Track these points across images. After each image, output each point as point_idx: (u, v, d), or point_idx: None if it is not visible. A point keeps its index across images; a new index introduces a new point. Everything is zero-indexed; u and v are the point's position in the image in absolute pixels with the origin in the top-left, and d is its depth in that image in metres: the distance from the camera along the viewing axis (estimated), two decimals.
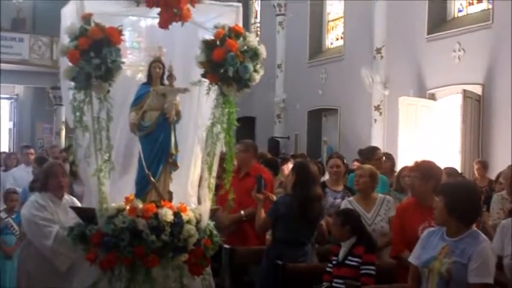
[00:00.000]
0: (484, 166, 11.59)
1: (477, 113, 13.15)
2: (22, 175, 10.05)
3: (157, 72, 4.85)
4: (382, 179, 7.44)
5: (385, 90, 15.42)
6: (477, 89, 13.18)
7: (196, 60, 4.69)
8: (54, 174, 5.34)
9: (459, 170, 11.46)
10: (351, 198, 6.43)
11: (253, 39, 4.70)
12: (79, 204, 5.31)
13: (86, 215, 4.68)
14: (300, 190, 5.83)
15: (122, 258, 4.48)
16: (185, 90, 4.86)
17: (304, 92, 18.87)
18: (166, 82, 4.90)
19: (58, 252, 5.05)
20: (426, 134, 14.12)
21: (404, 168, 8.06)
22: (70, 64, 4.40)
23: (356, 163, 11.49)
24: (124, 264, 4.50)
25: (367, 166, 6.67)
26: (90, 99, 4.45)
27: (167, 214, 4.51)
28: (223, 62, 4.57)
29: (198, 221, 4.71)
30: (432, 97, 14.58)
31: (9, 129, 25.41)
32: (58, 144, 20.32)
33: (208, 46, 4.64)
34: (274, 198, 6.24)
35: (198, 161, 5.08)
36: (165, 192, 4.79)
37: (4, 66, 20.20)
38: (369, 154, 9.20)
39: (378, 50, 15.43)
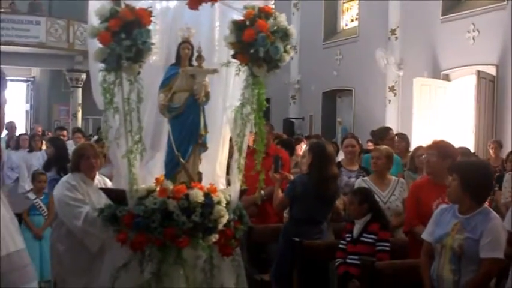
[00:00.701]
0: (499, 146, 11.55)
1: (491, 93, 13.13)
2: None
3: (186, 53, 4.74)
4: (396, 159, 7.46)
5: (399, 71, 15.31)
6: (491, 70, 13.16)
7: (226, 41, 4.58)
8: (85, 155, 5.27)
9: (472, 150, 11.57)
10: (366, 177, 6.49)
11: (283, 20, 4.59)
12: (110, 185, 5.25)
13: (116, 196, 4.61)
14: (316, 170, 5.92)
15: (153, 239, 4.40)
16: (214, 71, 4.76)
17: (318, 73, 18.77)
18: (194, 63, 4.78)
19: (88, 233, 5.00)
20: (440, 114, 14.08)
21: (418, 148, 8.11)
22: (100, 46, 4.29)
23: (370, 144, 11.47)
24: (155, 245, 4.42)
25: (384, 147, 6.71)
26: (120, 80, 4.36)
27: (198, 195, 4.42)
28: (254, 43, 4.46)
29: (228, 202, 4.62)
30: (446, 78, 14.57)
31: (26, 112, 25.36)
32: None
33: (238, 27, 4.53)
34: (291, 177, 6.27)
35: (226, 142, 5.01)
36: (194, 174, 4.71)
37: (20, 49, 20.17)
38: (382, 134, 9.29)
39: (393, 31, 15.32)
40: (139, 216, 4.39)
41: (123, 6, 4.26)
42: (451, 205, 4.47)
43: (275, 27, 4.54)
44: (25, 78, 25.06)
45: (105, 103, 4.37)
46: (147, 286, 4.41)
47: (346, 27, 18.93)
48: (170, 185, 4.46)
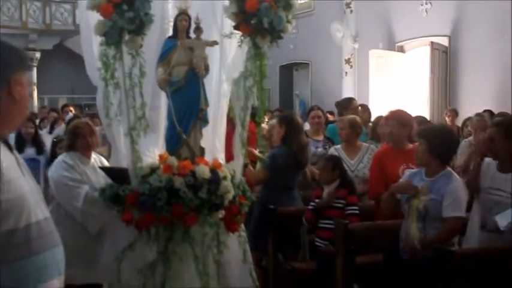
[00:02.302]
0: (456, 114, 11.78)
1: (444, 64, 13.28)
2: None
3: (183, 25, 4.42)
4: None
5: (355, 44, 15.18)
6: (444, 41, 13.25)
7: (227, 11, 4.29)
8: (81, 134, 4.90)
9: (428, 118, 11.63)
10: (338, 146, 6.52)
11: None
12: (107, 163, 4.93)
13: (117, 175, 4.29)
14: (293, 140, 6.04)
15: (160, 218, 4.11)
16: (213, 43, 4.46)
17: (275, 47, 18.46)
18: (192, 35, 4.47)
19: (88, 214, 4.65)
20: (396, 85, 14.07)
21: (379, 118, 8.08)
22: (100, 18, 3.96)
23: (330, 115, 11.36)
24: (161, 223, 4.14)
25: (347, 117, 6.71)
26: (121, 54, 4.03)
27: (205, 171, 4.16)
28: (257, 13, 4.18)
29: (232, 177, 4.36)
30: (401, 49, 14.63)
31: None
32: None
33: None
34: (257, 153, 6.22)
35: (223, 116, 4.72)
36: (196, 149, 4.42)
37: None
38: (345, 105, 9.27)
39: (348, 5, 15.16)
40: (145, 194, 4.10)
41: None
42: (418, 169, 4.68)
43: None
44: None
45: (104, 79, 4.04)
46: (155, 265, 4.13)
47: (302, 1, 18.67)
48: (175, 162, 4.18)
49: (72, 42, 21.97)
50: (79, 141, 4.88)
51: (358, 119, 6.77)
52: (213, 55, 4.60)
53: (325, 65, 16.51)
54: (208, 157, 4.51)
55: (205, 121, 4.48)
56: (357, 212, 5.35)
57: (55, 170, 4.82)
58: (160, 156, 4.25)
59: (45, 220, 2.30)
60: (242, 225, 4.56)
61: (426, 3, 13.56)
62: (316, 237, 5.43)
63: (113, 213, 4.30)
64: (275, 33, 4.30)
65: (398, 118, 5.64)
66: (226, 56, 4.60)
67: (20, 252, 2.16)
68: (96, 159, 4.99)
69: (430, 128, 5.35)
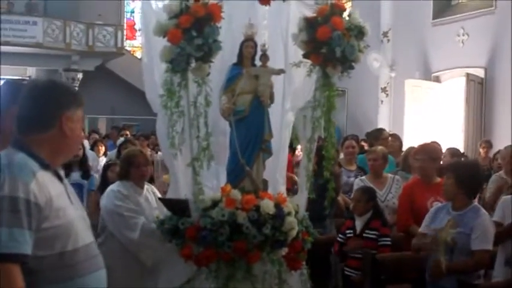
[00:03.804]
0: (490, 145, 11.43)
1: (479, 95, 12.98)
2: None
3: (249, 52, 4.09)
4: (390, 159, 7.24)
5: (391, 73, 14.82)
6: (480, 72, 12.99)
7: (297, 40, 3.94)
8: (135, 163, 4.54)
9: (462, 149, 11.55)
10: (363, 177, 6.32)
11: (357, 16, 3.95)
12: (158, 194, 4.60)
13: (176, 206, 3.93)
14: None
15: (221, 254, 3.73)
16: (280, 71, 4.11)
17: None
18: (257, 63, 4.12)
19: (144, 246, 4.28)
20: (431, 115, 13.80)
21: (411, 149, 7.80)
22: (166, 44, 3.62)
23: (364, 144, 11.07)
24: (222, 260, 3.76)
25: (379, 148, 6.58)
26: (186, 82, 3.69)
27: (269, 206, 3.78)
28: (329, 42, 3.82)
29: (296, 212, 3.97)
30: (437, 79, 14.37)
31: None
32: None
33: (310, 24, 3.88)
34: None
35: (285, 147, 4.35)
36: (259, 181, 4.05)
37: (17, 49, 19.21)
38: (376, 135, 9.10)
39: (385, 34, 14.83)
40: (206, 229, 3.72)
41: (192, 0, 3.58)
42: (444, 203, 4.67)
43: (349, 25, 3.90)
44: (21, 77, 23.98)
45: (167, 106, 3.69)
46: None
47: None
48: (239, 196, 3.80)
49: (114, 64, 21.94)
50: (133, 170, 4.52)
51: (387, 152, 6.72)
52: (275, 83, 4.24)
53: (361, 93, 16.14)
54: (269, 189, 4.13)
55: (269, 153, 4.13)
56: (389, 243, 5.28)
57: (109, 200, 4.45)
58: (223, 189, 3.87)
59: (91, 244, 2.40)
60: (304, 263, 4.15)
61: (463, 34, 13.21)
62: (346, 266, 5.33)
63: (169, 246, 3.93)
64: (346, 62, 3.93)
65: (428, 152, 5.62)
66: (291, 85, 4.23)
67: (66, 273, 2.26)
68: (148, 189, 4.62)
69: (458, 162, 5.49)
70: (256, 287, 3.80)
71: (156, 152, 11.79)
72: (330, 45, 3.82)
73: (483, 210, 4.52)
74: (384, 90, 14.83)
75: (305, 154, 4.09)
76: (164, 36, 3.62)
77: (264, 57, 4.07)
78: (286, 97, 4.28)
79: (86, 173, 6.67)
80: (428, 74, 14.23)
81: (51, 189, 2.24)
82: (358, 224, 5.37)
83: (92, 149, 10.15)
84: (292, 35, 4.00)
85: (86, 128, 18.39)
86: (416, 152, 5.85)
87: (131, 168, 4.53)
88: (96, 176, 7.24)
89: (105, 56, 21.06)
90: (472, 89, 12.86)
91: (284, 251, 3.92)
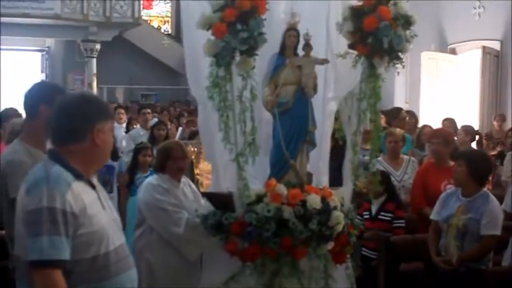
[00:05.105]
0: (503, 119, 11.56)
1: (495, 68, 12.62)
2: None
3: (292, 41, 3.85)
4: (407, 138, 7.34)
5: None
6: (496, 45, 12.62)
7: (343, 30, 3.70)
8: (173, 156, 4.36)
9: (477, 122, 11.72)
10: (379, 158, 6.13)
11: (404, 5, 3.70)
12: (194, 187, 4.47)
13: (219, 201, 3.75)
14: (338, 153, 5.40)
15: (267, 250, 3.56)
16: (324, 61, 3.90)
17: None
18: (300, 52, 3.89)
19: (189, 241, 4.14)
20: (447, 87, 13.44)
21: (424, 126, 8.15)
22: (209, 37, 3.39)
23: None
24: (268, 255, 3.59)
25: (398, 131, 6.52)
26: (230, 76, 3.48)
27: (316, 201, 3.61)
28: (376, 32, 3.58)
29: (342, 205, 3.78)
30: (453, 52, 13.95)
31: (41, 80, 24.00)
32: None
33: (357, 14, 3.64)
34: None
35: (328, 138, 4.14)
36: (303, 174, 3.86)
37: (35, 20, 18.96)
38: (394, 114, 9.04)
39: None
40: (251, 224, 3.54)
41: None
42: (454, 189, 4.75)
43: (396, 14, 3.66)
44: (40, 48, 23.70)
45: (213, 99, 3.48)
46: None
47: None
48: (284, 190, 3.62)
49: (131, 34, 21.66)
50: (170, 163, 4.35)
51: (405, 134, 6.80)
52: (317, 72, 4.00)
53: None
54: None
55: (313, 144, 3.93)
56: (404, 225, 5.39)
57: (148, 193, 4.27)
58: (268, 184, 3.69)
59: (121, 246, 2.52)
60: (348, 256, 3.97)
61: (479, 7, 12.86)
62: (363, 247, 5.41)
63: (212, 241, 3.76)
64: (393, 53, 3.69)
65: (444, 137, 5.78)
66: (333, 74, 4.00)
67: (100, 275, 2.39)
68: (185, 182, 4.46)
69: (470, 151, 5.79)
70: (303, 283, 3.64)
71: (178, 126, 11.63)
72: (377, 36, 3.59)
73: (492, 197, 4.60)
74: (400, 61, 14.51)
75: (350, 147, 3.86)
76: (208, 29, 3.39)
77: (307, 46, 3.85)
78: (328, 86, 4.06)
79: (115, 155, 6.59)
80: (444, 46, 13.86)
81: (85, 198, 2.38)
82: (374, 206, 5.47)
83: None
84: (337, 24, 3.76)
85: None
86: (431, 136, 5.97)
87: (168, 161, 4.35)
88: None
89: (123, 27, 20.75)
90: (488, 62, 12.51)
91: (330, 245, 3.74)
